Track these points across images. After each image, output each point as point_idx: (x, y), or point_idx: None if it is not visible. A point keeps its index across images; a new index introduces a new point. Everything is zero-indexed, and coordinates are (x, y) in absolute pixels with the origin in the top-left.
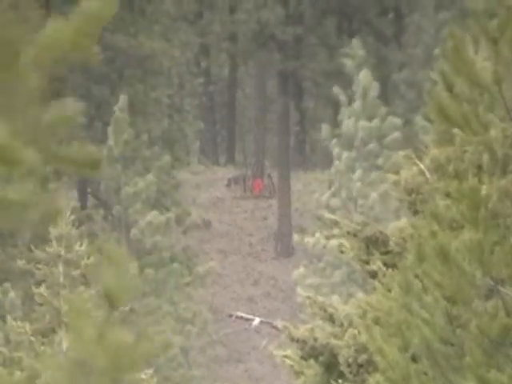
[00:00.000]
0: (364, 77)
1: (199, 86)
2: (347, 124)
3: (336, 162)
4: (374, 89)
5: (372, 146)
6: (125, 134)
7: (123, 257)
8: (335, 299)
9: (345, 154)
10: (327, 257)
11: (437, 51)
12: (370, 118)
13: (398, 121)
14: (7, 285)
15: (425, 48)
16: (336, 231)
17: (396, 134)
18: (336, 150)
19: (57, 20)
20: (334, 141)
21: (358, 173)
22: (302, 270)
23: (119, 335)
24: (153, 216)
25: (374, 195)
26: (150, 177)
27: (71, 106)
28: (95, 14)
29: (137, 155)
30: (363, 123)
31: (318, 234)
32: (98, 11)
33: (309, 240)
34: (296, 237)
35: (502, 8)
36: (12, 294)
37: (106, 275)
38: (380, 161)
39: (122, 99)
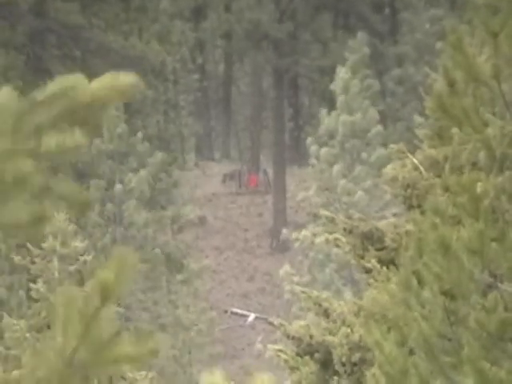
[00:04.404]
0: (344, 73)
1: (194, 82)
2: (328, 120)
3: (312, 160)
4: (355, 86)
5: (354, 141)
6: (118, 130)
7: (124, 253)
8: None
9: (323, 150)
10: (318, 253)
11: (429, 47)
12: (351, 113)
13: (376, 114)
14: (12, 281)
15: (416, 44)
16: (331, 227)
17: (378, 128)
18: (313, 148)
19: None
20: (310, 139)
21: (338, 168)
22: (287, 267)
23: (104, 330)
24: (147, 213)
25: (359, 192)
26: (143, 173)
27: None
28: None
29: (130, 152)
30: (344, 117)
31: (304, 232)
32: None
33: (298, 236)
34: (284, 231)
35: (503, 2)
36: (21, 293)
37: (103, 268)
38: (363, 155)
39: None
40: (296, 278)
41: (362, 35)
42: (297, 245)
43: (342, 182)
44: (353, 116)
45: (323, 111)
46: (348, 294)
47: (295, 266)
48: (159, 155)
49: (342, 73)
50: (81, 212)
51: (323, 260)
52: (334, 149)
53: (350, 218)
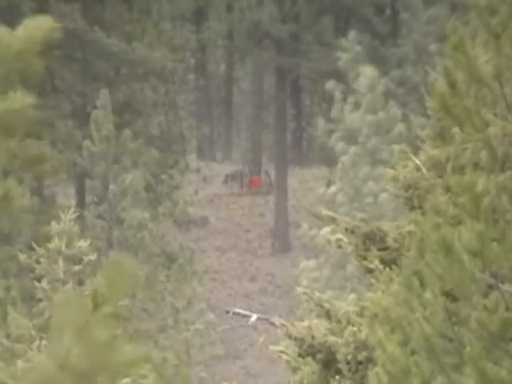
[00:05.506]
0: (371, 71)
1: (195, 82)
2: (351, 119)
3: (342, 158)
4: (380, 84)
5: (376, 140)
6: (106, 130)
7: (126, 262)
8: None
9: (350, 149)
10: (325, 253)
11: (430, 47)
12: (375, 113)
13: (398, 113)
14: (11, 281)
15: (415, 45)
16: (333, 228)
17: (400, 127)
18: (339, 146)
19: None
20: (337, 135)
21: (364, 169)
22: (305, 263)
23: (99, 337)
24: (147, 213)
25: (383, 193)
26: (137, 172)
27: (20, 100)
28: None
29: (124, 152)
30: (369, 117)
31: (326, 229)
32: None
33: (313, 234)
34: (302, 229)
35: (504, 4)
36: (13, 292)
37: (101, 275)
38: (385, 155)
39: (104, 95)
40: (315, 274)
41: (353, 34)
42: (318, 240)
43: (366, 182)
44: (377, 115)
45: (347, 109)
46: (360, 294)
47: (299, 267)
48: (154, 153)
49: (368, 72)
50: (55, 173)
51: (340, 258)
52: (356, 148)
53: (365, 220)
